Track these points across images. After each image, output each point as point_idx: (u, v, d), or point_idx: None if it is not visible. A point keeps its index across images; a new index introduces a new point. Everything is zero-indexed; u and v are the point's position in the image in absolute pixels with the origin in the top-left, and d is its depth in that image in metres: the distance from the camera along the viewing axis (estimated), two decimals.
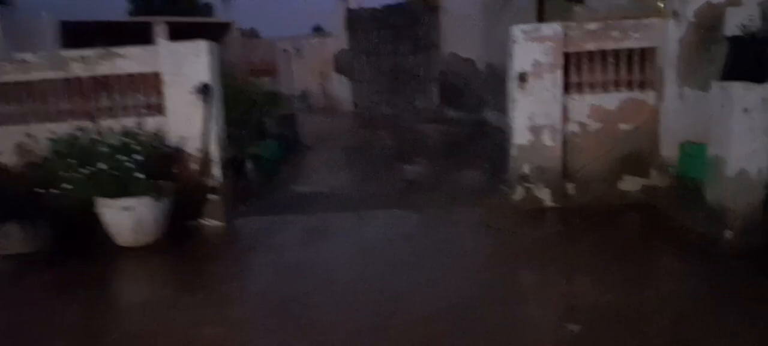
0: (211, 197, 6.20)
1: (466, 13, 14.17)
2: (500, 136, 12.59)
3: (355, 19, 16.93)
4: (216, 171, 6.18)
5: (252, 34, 34.28)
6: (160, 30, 20.33)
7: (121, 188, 5.50)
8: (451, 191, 7.73)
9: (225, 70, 12.64)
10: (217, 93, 6.24)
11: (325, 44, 18.03)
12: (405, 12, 15.60)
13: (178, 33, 21.00)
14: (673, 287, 4.45)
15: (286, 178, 9.36)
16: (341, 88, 17.68)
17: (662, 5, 6.16)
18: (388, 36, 15.98)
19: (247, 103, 11.37)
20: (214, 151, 6.14)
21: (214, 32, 23.11)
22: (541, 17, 10.65)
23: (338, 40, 17.47)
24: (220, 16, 27.11)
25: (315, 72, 18.29)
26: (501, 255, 5.34)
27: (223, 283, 5.07)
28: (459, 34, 14.42)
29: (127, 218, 5.56)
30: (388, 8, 16.09)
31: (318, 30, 28.10)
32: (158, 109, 6.23)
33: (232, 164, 8.89)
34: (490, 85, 13.51)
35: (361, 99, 17.00)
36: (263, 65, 20.03)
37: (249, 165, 8.58)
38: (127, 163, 5.47)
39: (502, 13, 11.99)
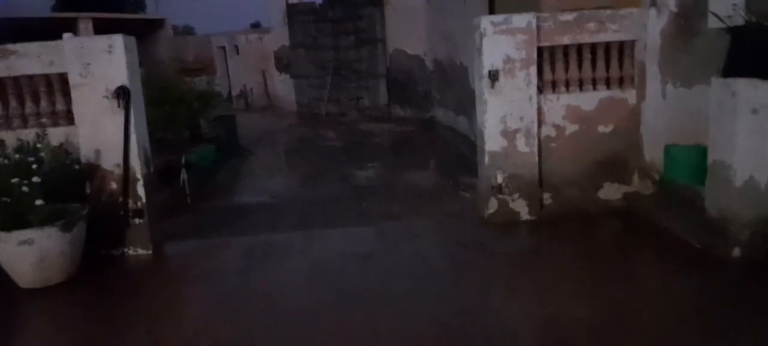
0: (135, 220, 5.09)
1: (409, 4, 13.35)
2: (451, 134, 11.93)
3: (294, 14, 15.81)
4: (139, 189, 5.07)
5: (186, 31, 32.44)
6: (84, 27, 18.58)
7: (17, 217, 4.34)
8: (408, 198, 6.89)
9: (153, 70, 11.48)
10: (138, 96, 5.13)
11: (264, 40, 16.83)
12: (346, 5, 14.63)
13: (104, 31, 19.30)
14: (680, 312, 3.73)
15: (225, 186, 8.27)
16: (283, 86, 16.55)
17: None
18: (330, 30, 14.98)
19: (179, 104, 10.20)
20: (137, 165, 5.03)
21: (145, 30, 21.47)
22: (492, 9, 9.92)
23: (278, 36, 16.31)
24: (151, 13, 25.32)
25: (254, 69, 17.07)
26: (477, 277, 4.52)
27: (148, 326, 4.01)
28: (404, 28, 13.60)
29: (26, 254, 4.40)
30: (329, 1, 15.08)
31: (257, 26, 26.70)
32: (66, 117, 5.07)
33: (162, 174, 7.78)
34: (438, 81, 12.76)
35: (304, 96, 15.93)
36: (198, 63, 18.65)
37: (183, 174, 7.45)
38: (24, 187, 4.32)
39: (449, 5, 11.21)
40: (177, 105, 10.13)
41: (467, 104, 10.47)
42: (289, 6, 15.96)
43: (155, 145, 9.90)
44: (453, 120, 11.58)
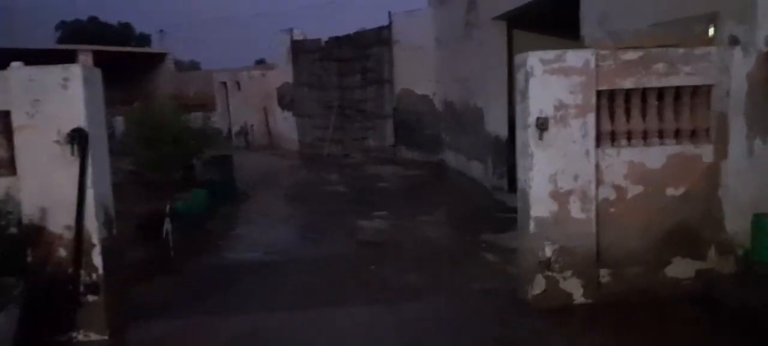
0: (88, 297, 3.87)
1: (419, 45, 12.33)
2: (463, 180, 10.77)
3: (300, 51, 14.85)
4: (95, 257, 3.86)
5: (192, 67, 31.61)
6: (84, 60, 17.57)
7: None
8: (424, 261, 5.69)
9: (149, 106, 10.39)
10: (100, 142, 3.96)
11: (267, 77, 15.82)
12: (354, 44, 13.65)
13: (106, 64, 18.43)
14: None
15: (216, 237, 7.07)
16: (285, 124, 15.47)
17: (712, 31, 4.40)
18: (336, 69, 13.97)
19: (172, 143, 9.05)
20: (93, 227, 3.83)
21: (147, 64, 20.56)
22: (510, 50, 8.88)
23: (282, 73, 15.31)
24: (156, 47, 24.43)
25: (256, 106, 16.01)
26: None
27: None
28: (413, 68, 12.55)
29: None
30: (336, 39, 14.10)
31: (261, 63, 25.81)
32: (7, 166, 3.89)
33: (144, 226, 6.58)
34: (449, 124, 11.66)
35: (307, 136, 14.85)
36: (199, 99, 17.60)
37: (166, 226, 6.24)
38: None
39: (463, 46, 10.18)
40: (172, 145, 9.01)
41: (483, 149, 9.36)
42: (294, 43, 15.01)
43: (141, 189, 8.86)
44: (465, 165, 10.44)
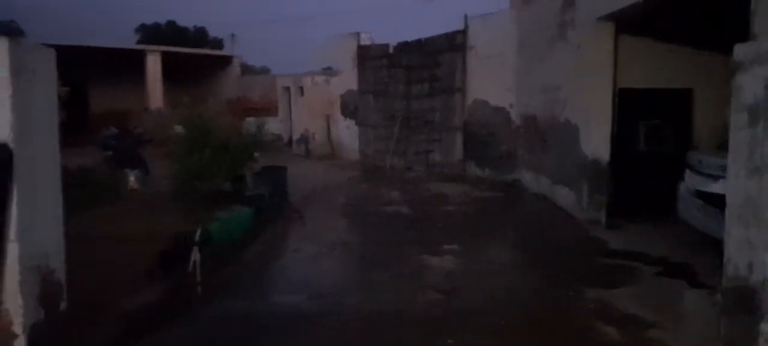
0: None
1: (498, 51, 10.64)
2: (546, 207, 8.86)
3: (366, 58, 13.46)
4: (17, 328, 2.47)
5: (262, 71, 31.00)
6: (152, 60, 16.93)
7: None
8: (518, 327, 4.06)
9: (191, 104, 9.26)
10: (40, 164, 2.57)
11: (331, 83, 14.53)
12: (423, 50, 12.10)
13: (174, 65, 17.80)
14: None
15: (255, 269, 5.68)
16: (347, 133, 14.11)
17: None
18: (403, 77, 12.46)
19: (218, 149, 7.81)
20: (17, 306, 2.44)
21: (214, 67, 19.81)
22: (616, 54, 7.10)
23: (346, 80, 13.97)
24: (227, 52, 23.77)
25: (318, 114, 14.74)
26: None
27: None
28: (489, 77, 10.86)
29: None
30: (404, 45, 12.60)
31: (328, 70, 24.72)
32: None
33: (168, 254, 5.26)
34: (528, 140, 9.90)
35: (369, 146, 13.42)
36: (262, 104, 16.55)
37: (194, 256, 4.90)
38: None
39: (554, 52, 8.43)
40: (217, 152, 7.76)
41: (574, 173, 7.58)
42: (360, 49, 13.64)
43: (181, 203, 7.61)
44: (549, 189, 8.66)
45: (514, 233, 7.31)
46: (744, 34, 3.70)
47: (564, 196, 7.98)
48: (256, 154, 8.49)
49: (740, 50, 3.16)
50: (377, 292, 4.98)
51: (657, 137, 9.70)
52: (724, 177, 5.05)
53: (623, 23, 6.92)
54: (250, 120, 9.10)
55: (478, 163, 11.22)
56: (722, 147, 6.15)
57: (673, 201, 6.79)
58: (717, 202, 3.84)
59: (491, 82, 10.81)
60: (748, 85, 2.96)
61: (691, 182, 5.94)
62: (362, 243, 6.85)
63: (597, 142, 7.16)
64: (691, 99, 7.63)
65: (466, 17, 11.15)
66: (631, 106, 7.48)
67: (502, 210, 8.50)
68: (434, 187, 10.22)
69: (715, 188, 3.77)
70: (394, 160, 12.58)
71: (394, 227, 7.49)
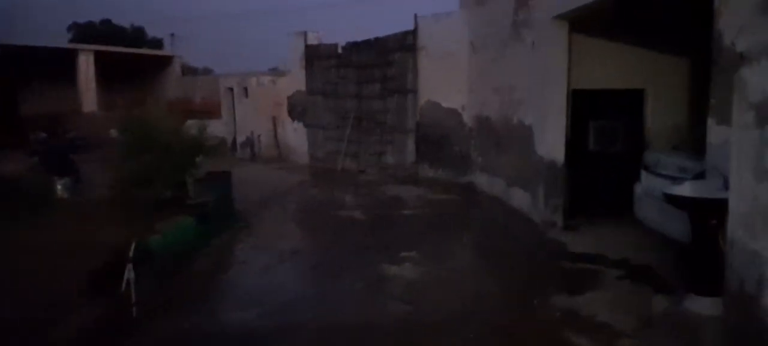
0: None
1: (450, 51, 10.51)
2: (502, 210, 8.06)
3: (314, 57, 13.06)
4: None
5: (205, 72, 29.90)
6: (84, 60, 15.90)
7: None
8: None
9: (130, 108, 8.69)
10: None
11: (277, 84, 14.04)
12: (373, 50, 11.84)
13: (110, 66, 16.78)
14: None
15: (200, 284, 5.24)
16: (295, 136, 13.66)
17: None
18: (353, 77, 12.16)
19: (160, 154, 7.28)
20: None
21: (153, 68, 18.83)
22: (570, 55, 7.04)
23: (293, 80, 13.52)
24: (168, 51, 22.72)
25: (264, 115, 14.22)
26: None
27: None
28: (441, 77, 10.71)
29: None
30: (354, 45, 12.30)
31: (275, 70, 24.07)
32: None
33: (99, 274, 4.76)
34: (482, 142, 9.80)
35: (319, 149, 13.03)
36: (204, 105, 15.86)
37: (127, 275, 4.42)
38: None
39: (508, 52, 8.34)
40: (158, 157, 7.24)
41: (530, 175, 7.49)
42: (308, 48, 13.23)
43: (120, 213, 6.99)
44: (504, 191, 8.56)
45: (472, 238, 7.14)
46: (701, 35, 3.63)
47: (520, 198, 7.89)
48: (198, 159, 8.00)
49: (746, 41, 2.90)
50: (334, 306, 4.67)
51: (607, 137, 9.83)
52: (686, 178, 5.04)
53: (577, 23, 6.86)
54: (192, 123, 8.55)
55: (432, 165, 11.05)
56: (678, 148, 6.21)
57: (628, 202, 6.80)
58: (682, 204, 3.75)
59: (443, 84, 10.67)
60: (755, 81, 2.70)
61: (648, 183, 5.93)
62: (316, 252, 6.51)
63: (552, 143, 7.08)
64: (642, 100, 7.68)
65: (416, 17, 10.97)
66: (580, 107, 7.44)
67: (458, 214, 8.33)
68: (388, 190, 9.98)
69: (681, 190, 3.67)
70: (346, 162, 12.26)
71: (348, 233, 7.18)
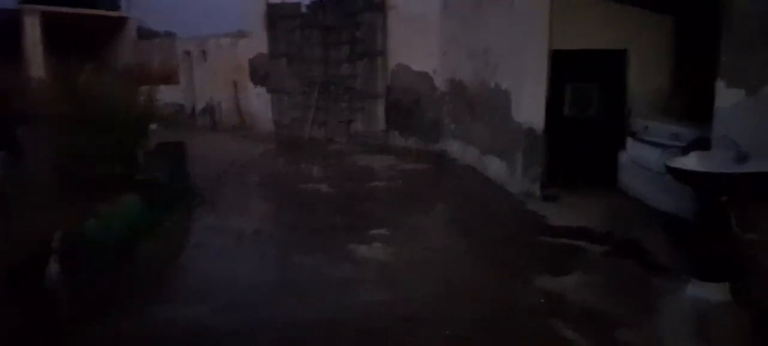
0: None
1: (419, 11, 9.90)
2: (477, 180, 7.57)
3: (276, 17, 12.23)
4: None
5: (167, 36, 28.30)
6: (30, 22, 14.64)
7: None
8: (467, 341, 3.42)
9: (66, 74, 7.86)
10: None
11: (238, 47, 13.18)
12: (340, 9, 11.10)
13: (60, 30, 15.48)
14: None
15: (146, 274, 4.65)
16: (258, 102, 12.90)
17: None
18: (319, 39, 11.42)
19: (103, 127, 6.55)
20: None
21: (107, 31, 17.55)
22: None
23: (255, 43, 12.68)
24: (124, 12, 21.26)
25: (225, 80, 13.39)
26: None
27: None
28: (411, 40, 10.12)
29: None
30: (319, 4, 11.53)
31: (241, 33, 22.81)
32: None
33: (22, 272, 4.11)
34: (455, 108, 9.29)
35: (284, 116, 12.31)
36: (162, 71, 14.86)
37: (52, 268, 3.82)
38: None
39: (483, 13, 7.79)
40: (105, 128, 6.51)
41: (506, 143, 7.05)
42: (269, 7, 12.37)
43: (60, 194, 6.26)
44: (478, 160, 8.12)
45: (446, 212, 6.69)
46: None
47: (496, 167, 7.45)
48: (152, 127, 7.33)
49: None
50: (299, 297, 4.16)
51: (583, 102, 9.43)
52: (679, 146, 4.64)
53: None
54: (144, 89, 7.79)
55: (403, 133, 10.53)
56: (667, 112, 5.80)
57: (610, 170, 6.43)
58: (687, 179, 3.32)
59: (414, 46, 10.07)
60: None
61: (635, 151, 5.53)
62: (279, 232, 5.96)
63: (531, 109, 6.62)
64: (623, 61, 7.22)
65: None
66: (556, 69, 6.96)
67: (431, 185, 7.87)
68: (358, 159, 9.42)
69: (686, 162, 3.23)
70: (313, 130, 11.63)
71: (315, 209, 6.64)
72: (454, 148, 9.28)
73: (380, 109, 10.77)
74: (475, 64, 8.09)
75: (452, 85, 9.30)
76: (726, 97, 3.28)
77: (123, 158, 6.65)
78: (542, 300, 3.99)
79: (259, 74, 12.83)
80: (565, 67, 7.07)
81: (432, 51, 9.72)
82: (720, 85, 3.33)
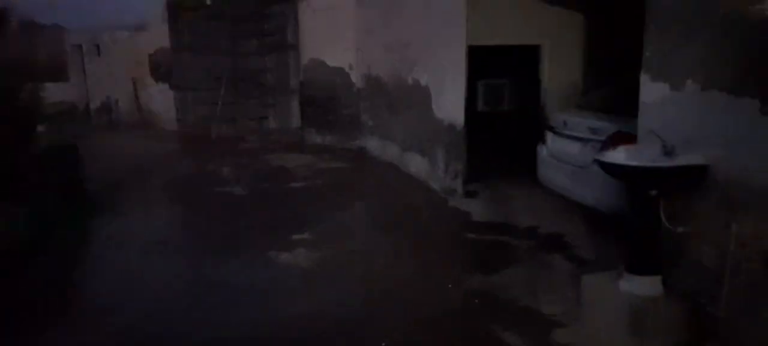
0: None
1: (333, 4, 9.60)
2: (397, 177, 7.44)
3: (179, 9, 11.41)
4: None
5: (56, 29, 25.89)
6: None
7: None
8: None
9: None
10: None
11: (136, 40, 12.19)
12: (248, 0, 10.56)
13: None
14: None
15: (33, 294, 4.04)
16: (160, 99, 12.01)
17: None
18: (227, 31, 10.79)
19: None
20: None
21: None
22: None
23: (156, 35, 11.78)
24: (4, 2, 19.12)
25: (122, 76, 12.35)
26: None
27: None
28: (325, 33, 9.81)
29: None
30: None
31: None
32: None
33: None
34: (374, 104, 9.09)
35: (190, 114, 11.53)
36: (48, 67, 13.44)
37: None
38: None
39: (400, 6, 7.64)
40: None
41: (427, 140, 6.96)
42: None
43: None
44: (399, 157, 7.98)
45: (370, 212, 6.47)
46: None
47: (417, 164, 7.34)
48: (40, 128, 6.51)
49: None
50: (214, 314, 3.75)
51: (496, 97, 9.60)
52: (598, 140, 4.71)
53: None
54: (28, 86, 6.90)
55: (319, 130, 10.19)
56: (584, 107, 5.92)
57: (528, 164, 6.49)
58: (617, 173, 3.31)
59: (328, 40, 9.76)
60: None
61: (554, 145, 5.59)
62: (189, 241, 5.46)
63: (451, 105, 6.55)
64: (537, 57, 7.36)
65: None
66: (470, 65, 6.95)
67: (352, 184, 7.61)
68: (273, 159, 8.97)
69: (615, 157, 3.21)
70: (222, 128, 10.98)
71: (228, 214, 6.17)
72: (374, 145, 9.08)
73: (294, 106, 10.37)
74: (393, 59, 7.93)
75: (369, 81, 9.09)
76: (651, 91, 3.30)
77: (9, 165, 5.84)
78: (476, 300, 3.89)
79: (161, 70, 11.94)
80: (478, 63, 7.09)
81: (347, 45, 9.46)
82: (645, 80, 3.34)
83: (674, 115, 3.17)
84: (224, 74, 10.85)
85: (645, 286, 3.19)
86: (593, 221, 4.95)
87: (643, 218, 3.20)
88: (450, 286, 4.15)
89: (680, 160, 3.04)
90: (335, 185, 7.42)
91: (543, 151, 5.83)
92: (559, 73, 7.03)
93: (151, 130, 11.75)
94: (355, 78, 9.56)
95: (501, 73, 9.18)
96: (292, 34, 10.09)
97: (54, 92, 10.70)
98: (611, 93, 5.37)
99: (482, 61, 7.44)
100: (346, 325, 3.55)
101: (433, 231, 5.49)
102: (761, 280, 2.69)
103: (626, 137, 3.89)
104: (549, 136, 5.70)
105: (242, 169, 8.27)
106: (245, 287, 4.17)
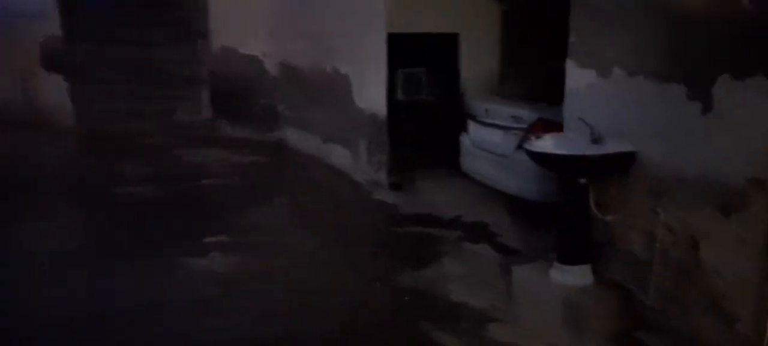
0: None
1: None
2: (320, 169, 7.16)
3: None
4: None
5: None
6: None
7: None
8: None
9: None
10: None
11: (20, 27, 10.93)
12: None
13: None
14: None
15: None
16: (54, 92, 10.87)
17: None
18: (128, 17, 9.92)
19: None
20: None
21: None
22: None
23: (46, 23, 10.62)
24: None
25: (8, 68, 11.06)
26: None
27: None
28: (236, 19, 9.27)
29: None
30: None
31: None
32: None
33: None
34: (291, 94, 8.71)
35: (88, 108, 10.53)
36: None
37: None
38: None
39: None
40: None
41: (349, 131, 6.74)
42: None
43: None
44: (320, 149, 7.68)
45: (291, 208, 6.13)
46: None
47: (339, 155, 7.09)
48: None
49: None
50: (113, 337, 3.32)
51: (414, 86, 9.50)
52: (521, 128, 4.69)
53: None
54: None
55: (233, 123, 9.64)
56: (504, 95, 5.91)
57: (449, 154, 6.43)
58: (546, 162, 3.25)
59: (240, 27, 9.21)
60: None
61: (477, 134, 5.54)
62: (88, 252, 4.86)
63: (372, 94, 6.38)
64: (456, 45, 7.30)
65: None
66: (390, 54, 6.78)
67: (271, 179, 7.21)
68: (184, 155, 8.35)
69: (544, 146, 3.15)
70: (128, 123, 10.11)
71: (135, 218, 5.61)
72: (293, 137, 8.71)
73: (205, 97, 9.75)
74: (311, 47, 7.60)
75: (286, 70, 8.70)
76: (577, 78, 3.26)
77: None
78: (406, 298, 3.72)
79: (53, 60, 10.80)
80: (396, 51, 6.93)
81: (261, 33, 8.98)
82: (571, 66, 3.30)
83: (601, 102, 3.14)
84: (127, 65, 9.99)
85: (576, 275, 3.16)
86: (517, 210, 4.95)
87: (572, 207, 3.16)
88: (379, 285, 3.96)
89: (609, 148, 3.01)
90: (253, 181, 7.01)
91: (465, 141, 5.78)
92: (477, 61, 7.01)
93: (44, 126, 10.60)
94: (270, 66, 9.11)
95: (419, 62, 9.09)
96: (200, 20, 9.45)
97: None
98: (530, 81, 5.38)
99: (400, 51, 7.30)
100: (271, 340, 3.25)
101: (359, 226, 5.29)
102: (688, 266, 2.70)
103: (549, 125, 3.86)
104: (471, 125, 5.64)
105: (150, 167, 7.63)
106: (151, 302, 3.74)
